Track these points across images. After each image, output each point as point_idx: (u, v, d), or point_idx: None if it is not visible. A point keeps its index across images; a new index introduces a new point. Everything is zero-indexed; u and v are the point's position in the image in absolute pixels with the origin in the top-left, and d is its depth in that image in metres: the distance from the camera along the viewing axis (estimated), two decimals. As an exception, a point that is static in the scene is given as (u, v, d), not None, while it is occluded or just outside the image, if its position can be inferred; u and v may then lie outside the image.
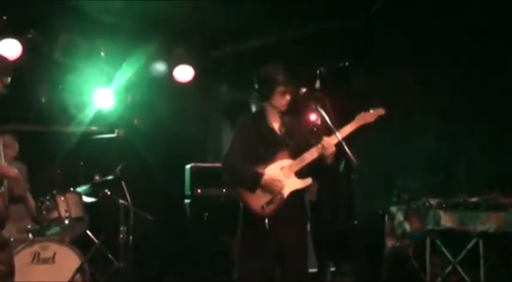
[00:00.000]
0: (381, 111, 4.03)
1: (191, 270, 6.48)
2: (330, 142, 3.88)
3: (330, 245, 6.27)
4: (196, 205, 6.62)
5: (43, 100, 6.63)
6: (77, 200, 5.59)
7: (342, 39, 6.41)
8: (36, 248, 5.11)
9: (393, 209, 5.73)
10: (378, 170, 6.17)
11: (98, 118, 6.81)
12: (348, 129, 3.96)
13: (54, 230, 5.50)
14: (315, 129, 5.56)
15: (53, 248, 5.17)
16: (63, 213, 5.41)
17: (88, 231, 5.82)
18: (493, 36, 5.78)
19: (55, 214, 5.40)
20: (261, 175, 3.87)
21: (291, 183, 3.93)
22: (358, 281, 6.02)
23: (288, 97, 4.00)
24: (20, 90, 5.80)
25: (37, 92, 6.63)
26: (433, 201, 5.47)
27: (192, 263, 6.55)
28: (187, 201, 6.71)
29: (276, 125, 4.07)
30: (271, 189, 3.87)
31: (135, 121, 6.97)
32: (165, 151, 7.15)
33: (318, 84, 6.09)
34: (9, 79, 3.80)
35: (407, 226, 5.59)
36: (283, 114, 4.08)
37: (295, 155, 3.96)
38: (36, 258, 5.09)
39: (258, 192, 3.89)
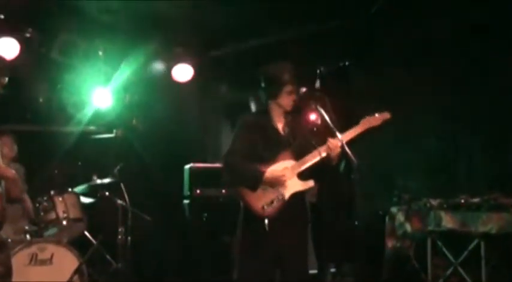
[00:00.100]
0: (386, 115, 3.98)
1: (191, 271, 6.45)
2: (335, 143, 3.84)
3: (330, 245, 6.25)
4: (195, 205, 6.60)
5: (41, 100, 6.60)
6: (74, 200, 5.58)
7: (342, 39, 6.39)
8: (33, 249, 5.08)
9: (394, 209, 5.71)
10: (379, 170, 6.15)
11: (96, 118, 6.77)
12: (352, 133, 3.92)
13: (52, 231, 5.49)
14: (314, 129, 5.52)
15: (51, 249, 5.14)
16: (61, 214, 5.41)
17: (86, 232, 5.80)
18: (493, 36, 5.77)
19: (53, 215, 5.39)
20: (262, 172, 3.82)
21: (292, 185, 3.88)
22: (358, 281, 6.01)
23: (294, 97, 3.96)
24: (17, 90, 5.77)
25: (35, 91, 6.60)
26: (434, 202, 5.45)
27: (192, 263, 6.52)
28: (186, 201, 6.68)
29: (280, 125, 4.03)
30: (273, 184, 3.82)
31: (134, 121, 6.93)
32: (163, 151, 7.11)
33: (318, 84, 6.09)
34: (6, 79, 3.78)
35: (408, 227, 5.57)
36: (287, 114, 4.03)
37: (297, 155, 3.92)
38: (34, 260, 5.06)
39: (259, 192, 3.85)
